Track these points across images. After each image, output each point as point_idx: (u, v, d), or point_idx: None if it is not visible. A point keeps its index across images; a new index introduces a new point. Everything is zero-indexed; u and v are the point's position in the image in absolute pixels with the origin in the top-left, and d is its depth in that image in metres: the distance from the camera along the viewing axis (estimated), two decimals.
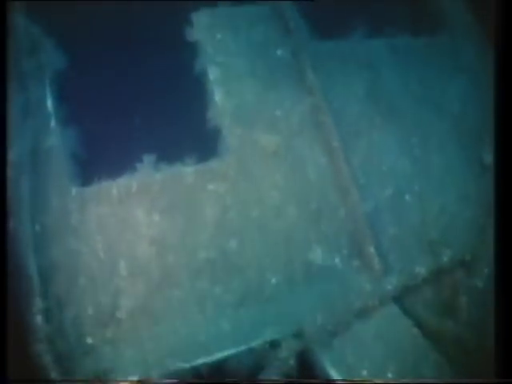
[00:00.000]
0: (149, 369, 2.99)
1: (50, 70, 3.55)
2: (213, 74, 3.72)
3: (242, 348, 3.08)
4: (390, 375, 3.11)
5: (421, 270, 3.42)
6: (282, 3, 4.00)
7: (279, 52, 3.90)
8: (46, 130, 3.40)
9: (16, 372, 2.77)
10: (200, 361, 3.03)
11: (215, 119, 3.60)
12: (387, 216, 3.60)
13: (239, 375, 3.05)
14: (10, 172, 3.18)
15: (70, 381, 2.95)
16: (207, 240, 3.35)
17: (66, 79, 3.55)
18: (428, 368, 3.18)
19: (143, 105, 4.20)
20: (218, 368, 3.04)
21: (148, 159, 3.37)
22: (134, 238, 3.29)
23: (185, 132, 3.77)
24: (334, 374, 3.08)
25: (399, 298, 3.38)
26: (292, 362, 3.06)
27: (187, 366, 3.02)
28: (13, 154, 3.23)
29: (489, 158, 3.75)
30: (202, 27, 3.83)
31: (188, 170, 3.44)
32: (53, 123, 3.42)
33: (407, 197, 3.69)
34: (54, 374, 2.91)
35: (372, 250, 3.45)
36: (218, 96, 3.67)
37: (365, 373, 3.11)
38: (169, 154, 3.38)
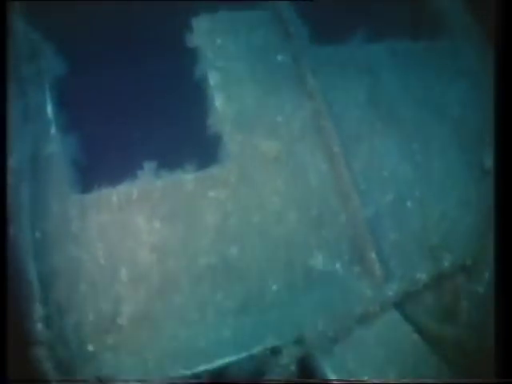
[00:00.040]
0: (150, 375, 2.98)
1: (50, 76, 3.54)
2: (213, 79, 3.71)
3: (243, 354, 3.07)
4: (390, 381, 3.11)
5: (422, 276, 3.42)
6: (282, 8, 3.98)
7: (279, 57, 3.88)
8: (46, 136, 3.39)
9: (16, 376, 2.77)
10: (201, 367, 3.03)
11: (216, 125, 3.59)
12: (388, 221, 3.59)
13: (240, 382, 3.04)
14: (10, 178, 3.17)
15: (70, 381, 2.96)
16: (208, 246, 3.34)
17: (66, 85, 3.54)
18: (429, 373, 3.17)
19: (144, 111, 4.20)
20: (219, 375, 3.04)
21: (148, 166, 3.36)
22: (135, 245, 3.28)
23: (185, 138, 3.77)
24: (335, 380, 3.09)
25: (400, 304, 3.38)
26: (293, 368, 3.06)
27: (188, 372, 3.01)
28: (13, 161, 3.22)
29: (489, 162, 3.75)
30: (202, 32, 3.81)
31: (189, 177, 3.43)
32: (53, 129, 3.41)
33: (408, 202, 3.68)
34: (54, 381, 2.91)
35: (373, 255, 3.44)
36: (218, 101, 3.66)
37: (366, 379, 3.10)
38: (169, 160, 3.37)
